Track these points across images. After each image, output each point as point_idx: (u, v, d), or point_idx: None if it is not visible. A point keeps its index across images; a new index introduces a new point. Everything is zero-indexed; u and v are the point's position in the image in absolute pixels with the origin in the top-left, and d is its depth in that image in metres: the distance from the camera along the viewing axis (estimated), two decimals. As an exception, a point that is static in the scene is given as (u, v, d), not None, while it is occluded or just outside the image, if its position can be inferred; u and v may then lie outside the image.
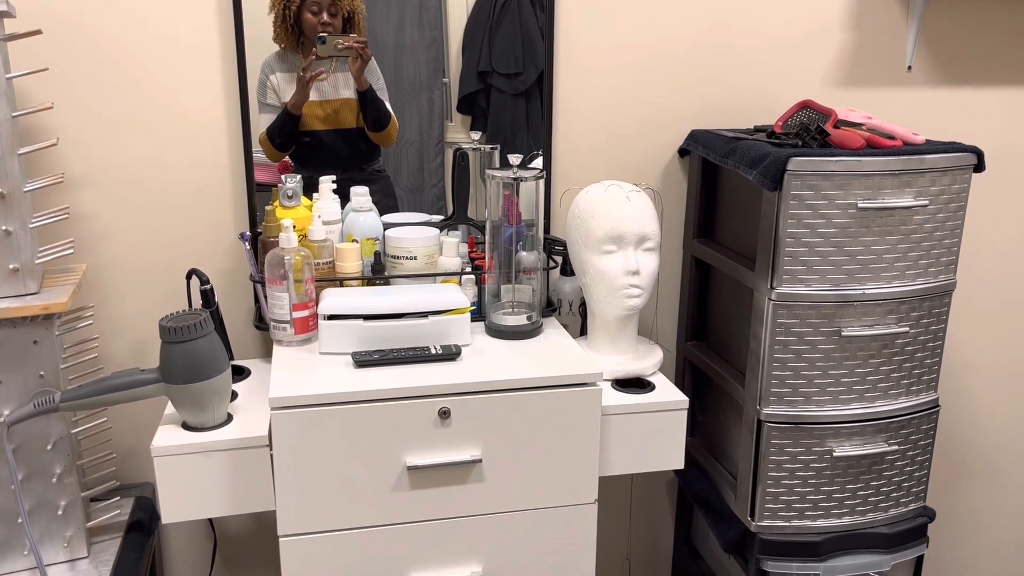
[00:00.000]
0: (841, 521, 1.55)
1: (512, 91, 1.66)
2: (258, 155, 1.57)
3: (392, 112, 1.60)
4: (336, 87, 1.57)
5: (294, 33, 1.53)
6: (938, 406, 1.56)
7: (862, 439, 1.51)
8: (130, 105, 1.52)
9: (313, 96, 1.56)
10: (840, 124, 1.51)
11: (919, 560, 1.63)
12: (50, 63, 1.47)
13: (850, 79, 1.80)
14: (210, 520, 1.73)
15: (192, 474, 1.29)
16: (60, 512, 1.37)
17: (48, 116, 1.49)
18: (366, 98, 1.58)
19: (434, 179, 1.66)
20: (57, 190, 1.51)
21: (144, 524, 1.52)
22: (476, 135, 1.66)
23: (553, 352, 1.43)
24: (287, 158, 1.58)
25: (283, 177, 1.51)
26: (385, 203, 1.64)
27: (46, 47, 1.47)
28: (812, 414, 1.48)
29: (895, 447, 1.53)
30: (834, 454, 1.50)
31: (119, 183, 1.55)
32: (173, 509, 1.30)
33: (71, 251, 1.37)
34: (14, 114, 1.27)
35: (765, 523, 1.53)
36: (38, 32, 1.29)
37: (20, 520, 1.34)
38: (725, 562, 1.72)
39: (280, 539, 1.29)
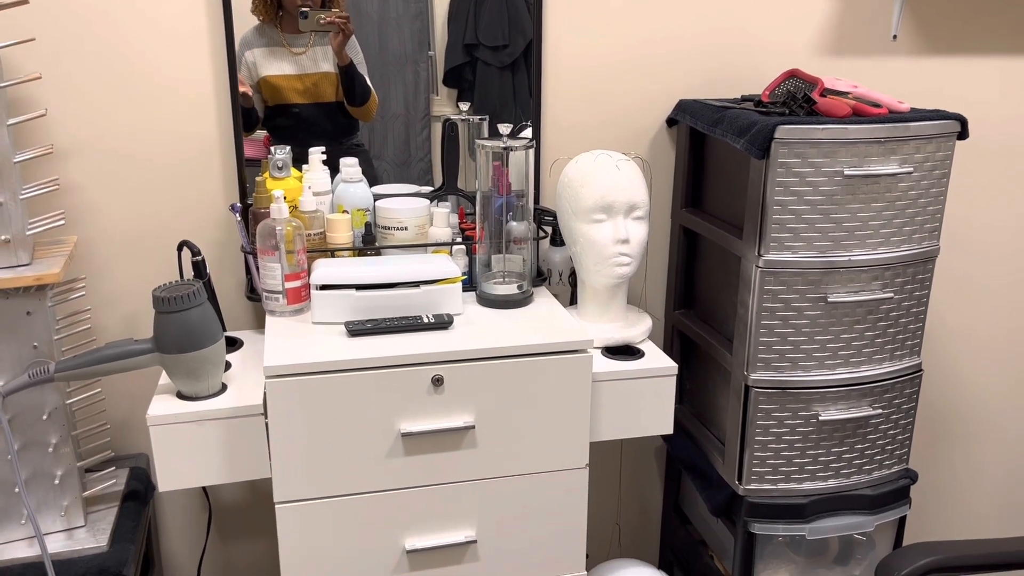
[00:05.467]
0: (826, 484, 1.58)
1: (498, 64, 1.66)
2: (244, 129, 1.57)
3: (372, 87, 1.60)
4: (315, 60, 1.56)
5: (273, 5, 1.52)
6: (921, 370, 1.59)
7: (847, 403, 1.54)
8: (118, 76, 1.51)
9: (292, 69, 1.56)
10: (826, 92, 1.52)
11: (901, 521, 1.67)
12: (37, 34, 1.46)
13: (836, 48, 1.81)
14: (205, 490, 1.75)
15: (187, 443, 1.30)
16: (56, 482, 1.38)
17: (36, 87, 1.48)
18: (346, 73, 1.57)
19: (420, 153, 1.66)
20: (46, 161, 1.51)
21: (140, 494, 1.54)
22: (465, 106, 1.66)
23: (544, 320, 1.45)
24: (267, 133, 1.58)
25: (272, 148, 1.51)
26: (365, 176, 1.63)
27: (33, 17, 1.45)
28: (798, 379, 1.51)
29: (879, 411, 1.56)
30: (820, 418, 1.53)
31: (108, 155, 1.54)
32: (169, 477, 1.31)
33: (62, 222, 1.37)
34: (1, 84, 1.27)
35: (752, 486, 1.56)
36: (24, 2, 1.28)
37: (17, 490, 1.35)
38: (713, 525, 1.76)
39: (276, 506, 1.31)
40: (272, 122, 1.58)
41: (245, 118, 1.55)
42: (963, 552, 1.30)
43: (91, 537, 1.40)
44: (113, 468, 1.55)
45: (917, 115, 1.46)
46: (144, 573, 1.61)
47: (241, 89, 1.53)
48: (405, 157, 1.65)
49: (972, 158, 1.97)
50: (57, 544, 1.38)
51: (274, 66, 1.55)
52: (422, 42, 1.61)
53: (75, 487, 1.40)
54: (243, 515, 1.80)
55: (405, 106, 1.63)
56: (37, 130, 1.50)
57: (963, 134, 1.48)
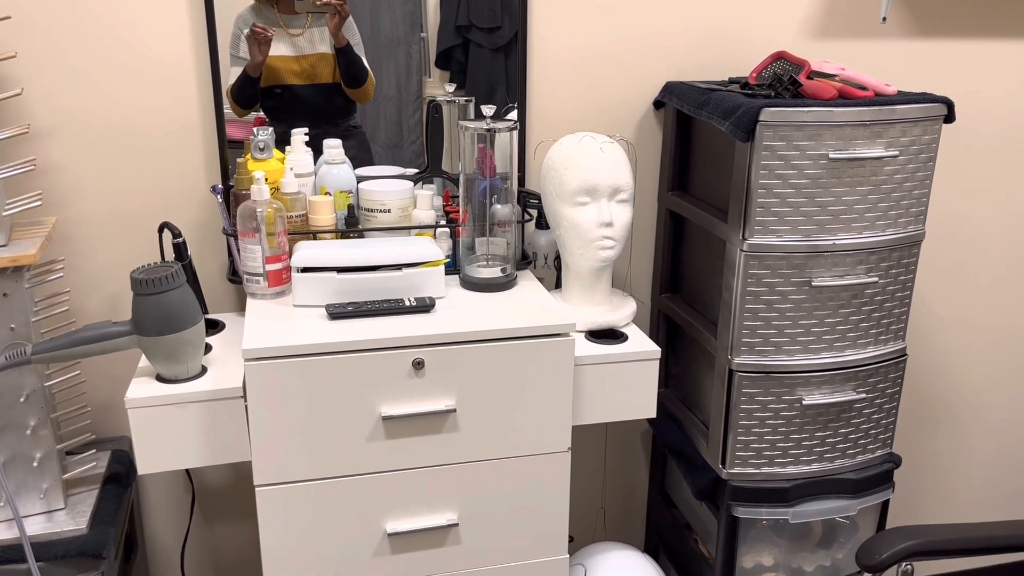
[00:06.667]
0: (810, 468, 1.58)
1: (490, 46, 1.65)
2: (229, 110, 1.55)
3: (369, 68, 1.58)
4: (312, 42, 1.55)
5: None
6: (905, 355, 1.59)
7: (831, 387, 1.54)
8: (98, 56, 1.49)
9: (289, 51, 1.54)
10: (813, 75, 1.51)
11: (884, 505, 1.67)
12: (12, 11, 1.44)
13: (825, 30, 1.80)
14: (188, 472, 1.74)
15: (167, 425, 1.29)
16: (35, 464, 1.37)
17: (11, 65, 1.46)
18: (344, 55, 1.56)
19: (413, 135, 1.65)
20: (23, 141, 1.49)
21: (121, 476, 1.53)
22: (451, 87, 1.65)
23: (527, 304, 1.44)
24: (262, 113, 1.57)
25: (255, 129, 1.49)
26: (361, 158, 1.63)
27: (8, -5, 1.43)
28: (783, 363, 1.51)
29: (863, 395, 1.56)
30: (803, 402, 1.53)
31: (87, 135, 1.52)
32: (148, 460, 1.31)
33: (39, 203, 1.36)
34: (-24, 63, 1.25)
35: (736, 470, 1.56)
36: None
37: (-5, 472, 1.34)
38: (697, 509, 1.76)
39: (256, 489, 1.31)
40: (268, 103, 1.56)
41: (251, 90, 1.53)
42: (944, 536, 1.31)
43: (71, 519, 1.39)
44: (94, 451, 1.54)
45: (903, 98, 1.44)
46: (127, 555, 1.61)
47: (249, 63, 1.52)
48: (397, 140, 1.64)
49: (960, 143, 1.96)
50: (36, 526, 1.37)
51: (271, 47, 1.53)
52: (414, 23, 1.60)
53: (55, 470, 1.39)
54: (227, 498, 1.80)
55: (397, 88, 1.61)
56: (13, 110, 1.48)
57: (950, 117, 1.47)
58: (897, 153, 1.43)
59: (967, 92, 1.92)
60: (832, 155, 1.40)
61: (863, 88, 1.46)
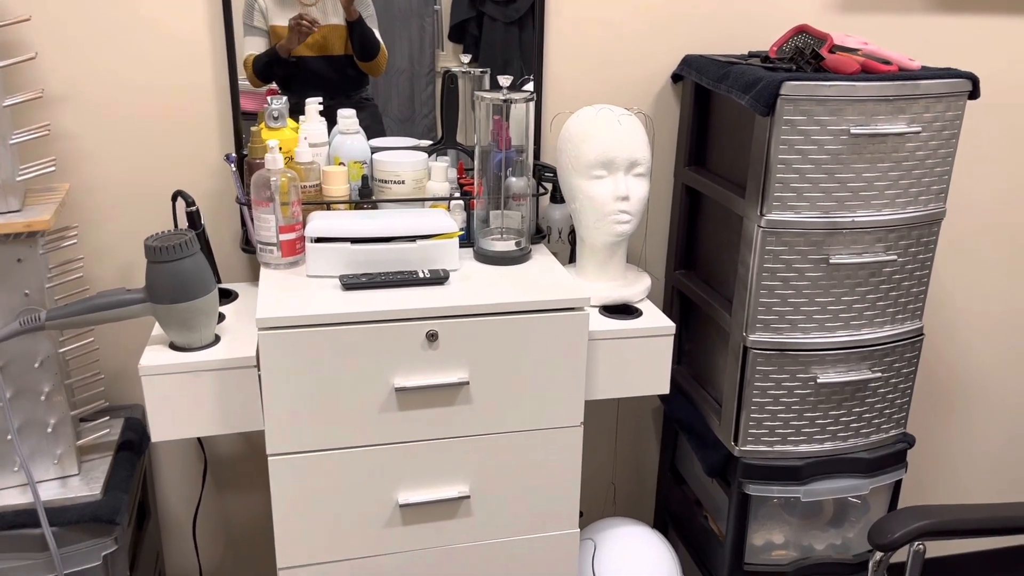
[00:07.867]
0: (823, 446, 1.57)
1: (505, 19, 1.63)
2: (243, 81, 1.54)
3: (381, 41, 1.57)
4: (325, 13, 1.53)
5: None
6: (922, 335, 1.58)
7: (846, 366, 1.53)
8: (111, 20, 1.48)
9: None
10: (835, 49, 1.48)
11: (897, 484, 1.67)
12: (26, -25, 1.43)
13: (848, 4, 1.76)
14: (200, 441, 1.75)
15: (180, 393, 1.29)
16: (50, 430, 1.38)
17: (25, 29, 1.45)
18: (355, 27, 1.54)
19: (425, 109, 1.63)
20: (37, 106, 1.48)
21: (134, 444, 1.53)
22: (466, 58, 1.63)
23: (541, 277, 1.43)
24: (275, 85, 1.55)
25: (269, 98, 1.48)
26: (373, 129, 1.61)
27: (21, -42, 1.42)
28: (798, 341, 1.50)
29: (879, 374, 1.55)
30: (818, 380, 1.52)
31: (101, 101, 1.51)
32: (162, 428, 1.31)
33: (53, 168, 1.35)
34: (-10, 26, 1.24)
35: (748, 448, 1.56)
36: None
37: (9, 437, 1.35)
38: (708, 486, 1.76)
39: (269, 458, 1.31)
40: (281, 73, 1.55)
41: (277, 68, 1.53)
42: (957, 516, 1.30)
43: (84, 485, 1.40)
44: (107, 418, 1.54)
45: (927, 73, 1.42)
46: (140, 522, 1.62)
47: (282, 44, 1.51)
48: (409, 113, 1.63)
49: (984, 120, 1.93)
50: (50, 492, 1.38)
51: (284, 16, 1.52)
52: (428, -5, 1.58)
53: (68, 436, 1.40)
54: (239, 467, 1.81)
55: (410, 61, 1.60)
56: (27, 74, 1.47)
57: (974, 93, 1.45)
58: (920, 129, 1.41)
59: (992, 68, 1.89)
60: (854, 131, 1.38)
61: (886, 63, 1.43)
